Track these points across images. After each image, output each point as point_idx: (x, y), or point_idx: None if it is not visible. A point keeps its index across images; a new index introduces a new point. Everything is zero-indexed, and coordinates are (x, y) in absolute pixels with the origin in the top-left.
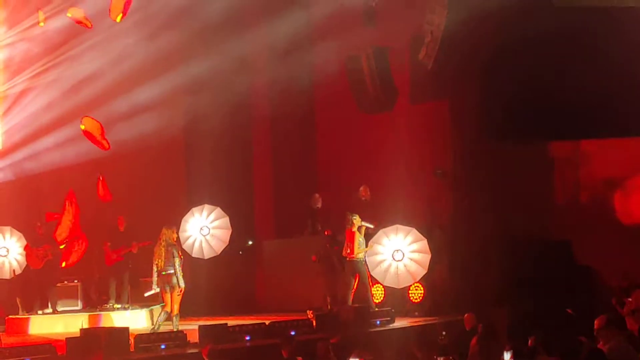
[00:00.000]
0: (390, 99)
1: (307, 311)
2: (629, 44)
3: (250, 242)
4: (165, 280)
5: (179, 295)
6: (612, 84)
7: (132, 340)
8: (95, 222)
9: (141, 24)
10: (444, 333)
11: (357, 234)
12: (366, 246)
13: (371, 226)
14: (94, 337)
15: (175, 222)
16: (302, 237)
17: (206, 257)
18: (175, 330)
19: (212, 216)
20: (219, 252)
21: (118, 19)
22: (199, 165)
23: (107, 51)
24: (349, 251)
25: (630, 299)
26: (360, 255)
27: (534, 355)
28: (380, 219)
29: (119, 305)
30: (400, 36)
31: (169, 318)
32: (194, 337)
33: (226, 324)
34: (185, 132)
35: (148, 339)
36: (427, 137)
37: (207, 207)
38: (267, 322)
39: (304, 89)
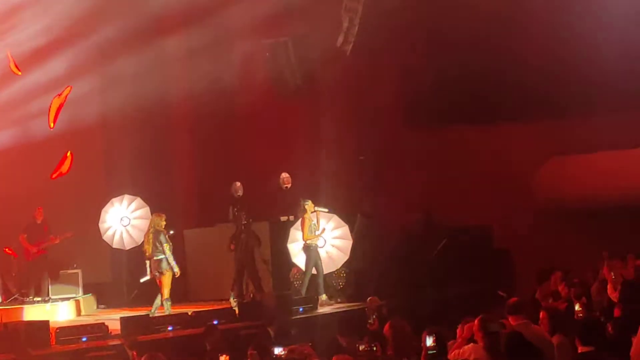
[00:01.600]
0: (308, 85)
1: (230, 299)
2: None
3: (171, 232)
4: (154, 266)
5: (173, 277)
6: (524, 68)
7: (53, 334)
8: (10, 214)
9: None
10: (374, 317)
11: (307, 220)
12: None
13: (325, 210)
14: (13, 331)
15: (97, 214)
16: (224, 225)
17: (127, 248)
18: (167, 313)
19: (132, 206)
20: (140, 243)
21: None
22: (118, 155)
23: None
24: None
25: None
26: (310, 242)
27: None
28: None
29: (39, 299)
30: (320, 23)
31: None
32: (115, 329)
33: (148, 314)
34: (103, 120)
35: (69, 332)
36: (348, 123)
37: (127, 197)
38: (189, 312)
39: (224, 77)
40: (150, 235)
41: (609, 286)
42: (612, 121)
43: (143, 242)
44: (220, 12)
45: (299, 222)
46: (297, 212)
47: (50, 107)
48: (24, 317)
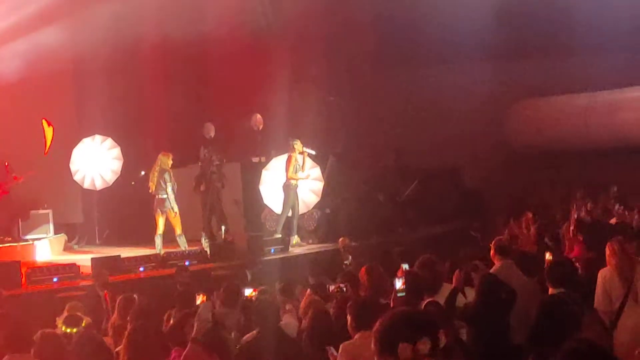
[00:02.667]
0: (283, 24)
1: (202, 240)
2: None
3: (142, 173)
4: (158, 204)
5: (174, 217)
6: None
7: (24, 274)
8: None
9: None
10: (350, 258)
11: (292, 158)
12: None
13: (312, 152)
14: None
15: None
16: (195, 166)
17: (98, 189)
18: (183, 249)
19: (104, 146)
20: (111, 184)
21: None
22: (88, 96)
23: None
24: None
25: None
26: (293, 182)
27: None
28: (275, 148)
29: (9, 239)
30: None
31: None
32: (87, 269)
33: (119, 255)
34: (73, 60)
35: (40, 273)
36: (320, 64)
37: (98, 137)
38: (161, 252)
39: (195, 15)
40: (156, 174)
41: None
42: (590, 63)
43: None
44: None
45: (270, 163)
46: (270, 152)
47: (44, 134)
48: None
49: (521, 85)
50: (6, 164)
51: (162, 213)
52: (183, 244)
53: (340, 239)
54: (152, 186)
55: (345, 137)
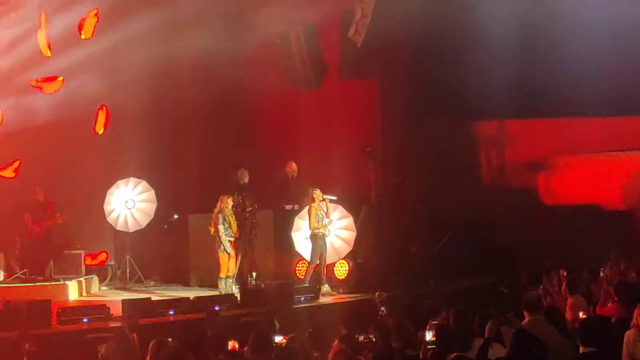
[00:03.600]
0: (318, 75)
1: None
2: (555, 27)
3: (175, 216)
4: (216, 245)
5: (225, 259)
6: (537, 65)
7: (54, 314)
8: (16, 193)
9: None
10: (382, 309)
11: (313, 208)
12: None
13: (334, 198)
14: (15, 310)
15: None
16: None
17: (131, 231)
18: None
19: (138, 189)
20: (144, 226)
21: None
22: (124, 138)
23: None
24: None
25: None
26: (317, 231)
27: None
28: (307, 196)
29: (41, 278)
30: (331, 13)
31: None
32: (117, 311)
33: (149, 298)
34: (111, 103)
35: (70, 312)
36: (356, 114)
37: (132, 180)
38: (192, 297)
39: (233, 64)
40: (214, 215)
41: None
42: (620, 122)
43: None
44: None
45: (304, 211)
46: (303, 200)
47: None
48: (26, 296)
49: (555, 142)
50: (50, 202)
51: (219, 253)
52: (223, 288)
53: (377, 293)
54: (210, 229)
55: (379, 186)
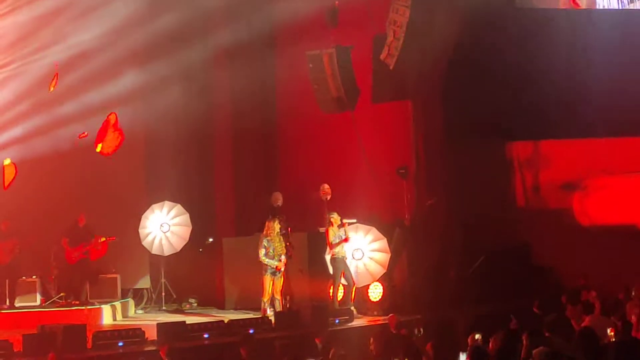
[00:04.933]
0: (352, 98)
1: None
2: (588, 46)
3: (210, 240)
4: (262, 268)
5: (268, 281)
6: (572, 85)
7: (89, 338)
8: (52, 217)
9: (102, 21)
10: (421, 330)
11: (330, 232)
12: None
13: (353, 221)
14: (50, 334)
15: (137, 219)
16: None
17: (166, 254)
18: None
19: (172, 213)
20: (179, 249)
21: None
22: (159, 162)
23: (65, 47)
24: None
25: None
26: (336, 254)
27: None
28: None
29: (77, 302)
30: (363, 36)
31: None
32: (152, 335)
33: (184, 321)
34: (145, 128)
35: (105, 336)
36: (389, 136)
37: (167, 204)
38: (225, 320)
39: (266, 88)
40: (260, 239)
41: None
42: None
43: None
44: (264, 22)
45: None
46: (324, 223)
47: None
48: (62, 320)
49: (589, 163)
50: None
51: (263, 276)
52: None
53: (390, 316)
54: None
55: (413, 208)
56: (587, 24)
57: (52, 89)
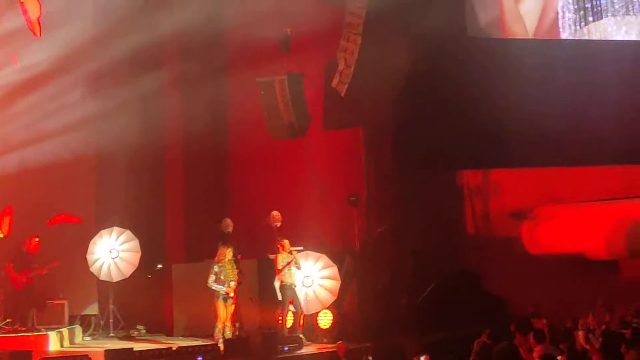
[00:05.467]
0: (303, 125)
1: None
2: (540, 75)
3: (159, 266)
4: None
5: (219, 307)
6: (522, 114)
7: None
8: None
9: (55, 45)
10: (369, 358)
11: (279, 258)
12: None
13: (301, 248)
14: None
15: (85, 244)
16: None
17: (114, 280)
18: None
19: (122, 239)
20: (128, 275)
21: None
22: (109, 187)
23: (17, 70)
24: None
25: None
26: (286, 281)
27: None
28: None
29: (24, 328)
30: (315, 63)
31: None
32: None
33: (132, 348)
34: (96, 153)
35: None
36: (340, 163)
37: (116, 230)
38: (174, 347)
39: (218, 114)
40: (212, 265)
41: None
42: (603, 172)
43: None
44: (216, 49)
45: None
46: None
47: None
48: (8, 347)
49: (538, 192)
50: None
51: (216, 302)
52: (220, 336)
53: (338, 343)
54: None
55: (364, 236)
56: (540, 54)
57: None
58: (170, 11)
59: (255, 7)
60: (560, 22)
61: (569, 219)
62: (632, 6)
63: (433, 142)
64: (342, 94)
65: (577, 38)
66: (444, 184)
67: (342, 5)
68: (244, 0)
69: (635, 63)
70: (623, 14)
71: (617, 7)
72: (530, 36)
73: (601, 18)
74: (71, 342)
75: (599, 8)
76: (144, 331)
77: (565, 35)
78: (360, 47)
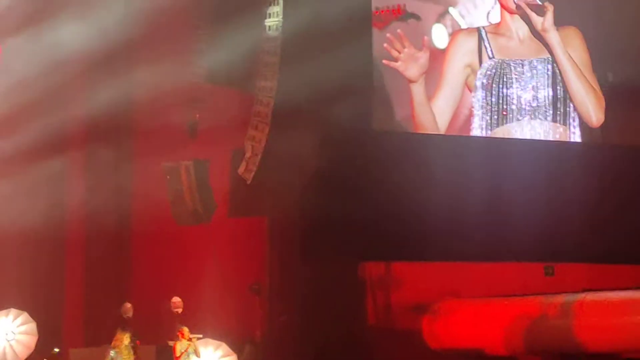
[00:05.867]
0: (208, 211)
1: None
2: (446, 172)
3: (56, 350)
4: None
5: None
6: (425, 208)
7: None
8: None
9: None
10: None
11: (177, 346)
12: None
13: (200, 336)
14: None
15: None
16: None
17: None
18: None
19: (18, 321)
20: (23, 359)
21: None
22: (6, 269)
23: None
24: None
25: None
26: None
27: None
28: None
29: None
30: (222, 149)
31: None
32: None
33: None
34: None
35: None
36: (244, 251)
37: (13, 312)
38: None
39: (122, 197)
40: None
41: None
42: (502, 268)
43: None
44: (123, 132)
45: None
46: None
47: None
48: None
49: (439, 286)
50: None
51: None
52: None
53: None
54: None
55: (265, 325)
56: (450, 150)
57: None
58: (78, 94)
59: (163, 92)
60: (472, 121)
61: (468, 314)
62: (538, 112)
63: (337, 233)
64: (248, 182)
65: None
66: (346, 275)
67: (251, 94)
68: (152, 85)
69: (543, 163)
70: (530, 118)
71: (523, 112)
72: (442, 133)
73: (507, 122)
74: None
75: (508, 112)
76: None
77: (476, 134)
78: (267, 136)
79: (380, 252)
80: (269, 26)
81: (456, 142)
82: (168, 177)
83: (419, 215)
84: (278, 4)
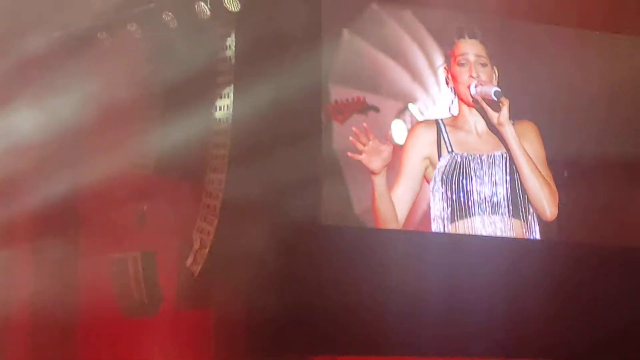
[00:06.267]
0: (154, 303)
1: None
2: (401, 266)
3: None
4: None
5: None
6: (377, 304)
7: None
8: None
9: None
10: None
11: None
12: None
13: None
14: None
15: None
16: None
17: None
18: None
19: None
20: None
21: None
22: None
23: None
24: None
25: None
26: None
27: None
28: None
29: None
30: (170, 241)
31: None
32: None
33: None
34: None
35: None
36: (190, 344)
37: None
38: None
39: (67, 287)
40: None
41: None
42: None
43: None
44: (69, 222)
45: None
46: None
47: None
48: None
49: None
50: None
51: None
52: None
53: None
54: None
55: None
56: (407, 244)
57: None
58: (26, 184)
59: (112, 182)
60: (431, 215)
61: None
62: (498, 208)
63: (285, 326)
64: (196, 274)
65: (446, 232)
66: None
67: (201, 185)
68: (100, 175)
69: (503, 259)
70: (489, 214)
71: (483, 207)
72: (401, 224)
73: (467, 217)
74: None
75: (467, 206)
76: None
77: (435, 227)
78: (216, 229)
79: (330, 346)
80: (219, 119)
81: (412, 237)
82: (115, 268)
83: (372, 310)
84: (228, 97)
